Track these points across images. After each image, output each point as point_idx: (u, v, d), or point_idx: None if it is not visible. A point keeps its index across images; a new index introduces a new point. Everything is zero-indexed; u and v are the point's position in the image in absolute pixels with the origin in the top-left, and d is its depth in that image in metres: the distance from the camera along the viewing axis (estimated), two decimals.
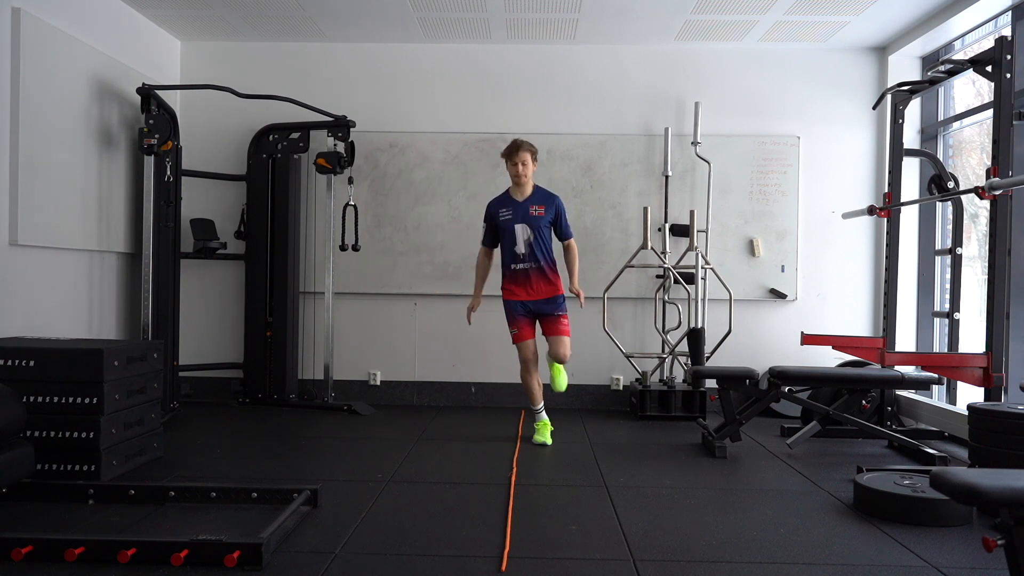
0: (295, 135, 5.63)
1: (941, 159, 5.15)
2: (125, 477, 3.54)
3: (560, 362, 4.51)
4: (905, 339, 5.40)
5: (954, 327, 4.79)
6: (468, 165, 5.80)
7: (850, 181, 5.82)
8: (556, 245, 4.58)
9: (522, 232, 4.43)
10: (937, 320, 5.42)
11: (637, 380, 5.57)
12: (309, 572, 2.50)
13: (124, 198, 5.05)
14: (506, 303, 4.52)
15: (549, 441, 4.51)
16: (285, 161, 5.64)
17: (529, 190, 4.51)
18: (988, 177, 3.92)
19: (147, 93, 4.79)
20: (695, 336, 5.37)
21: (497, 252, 4.62)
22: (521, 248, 4.43)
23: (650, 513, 3.19)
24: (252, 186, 5.68)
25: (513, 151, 4.47)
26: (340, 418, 5.22)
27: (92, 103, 4.70)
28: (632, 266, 5.55)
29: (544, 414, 4.63)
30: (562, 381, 4.62)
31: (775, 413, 5.46)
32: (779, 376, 4.28)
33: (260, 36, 5.78)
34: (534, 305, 4.46)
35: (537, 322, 4.54)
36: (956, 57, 5.02)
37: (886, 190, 4.99)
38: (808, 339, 4.92)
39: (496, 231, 4.54)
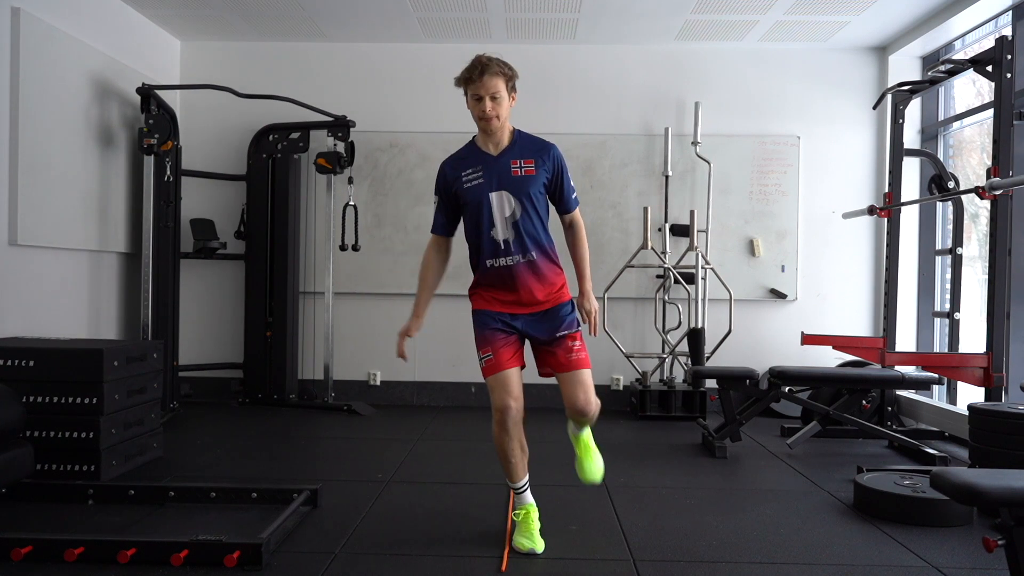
0: (295, 135, 5.63)
1: (941, 159, 5.15)
2: (125, 477, 3.54)
3: (583, 418, 2.76)
4: (905, 339, 5.40)
5: (954, 327, 4.79)
6: None
7: (850, 181, 5.82)
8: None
9: (501, 205, 2.74)
10: (937, 320, 5.42)
11: (637, 380, 5.57)
12: (309, 572, 2.50)
13: (124, 198, 5.05)
14: (476, 313, 2.85)
15: (539, 548, 2.70)
16: (285, 161, 5.64)
17: (506, 138, 2.84)
18: (988, 177, 3.92)
19: (147, 93, 4.79)
20: (695, 336, 5.36)
21: (458, 244, 2.91)
22: (500, 232, 2.74)
23: (650, 513, 3.19)
24: (252, 186, 5.68)
25: (474, 74, 2.65)
26: (340, 418, 5.22)
27: (92, 103, 4.70)
28: (632, 266, 5.55)
29: (529, 496, 2.82)
30: (593, 464, 2.86)
31: (775, 413, 5.45)
32: (779, 376, 4.28)
33: (260, 36, 5.78)
34: (525, 323, 2.82)
35: (529, 349, 2.90)
36: (956, 57, 5.02)
37: (886, 190, 4.98)
38: (808, 339, 4.92)
39: (457, 208, 2.83)
